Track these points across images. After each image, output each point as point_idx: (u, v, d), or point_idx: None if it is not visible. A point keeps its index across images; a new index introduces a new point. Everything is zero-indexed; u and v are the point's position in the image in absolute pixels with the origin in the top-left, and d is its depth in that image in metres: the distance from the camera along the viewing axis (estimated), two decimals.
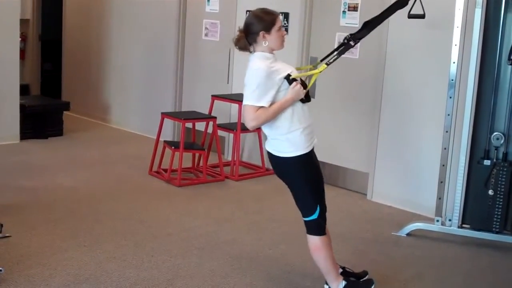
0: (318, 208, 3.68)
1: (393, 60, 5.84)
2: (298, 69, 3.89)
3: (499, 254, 4.93)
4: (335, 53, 3.96)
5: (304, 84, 3.70)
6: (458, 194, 5.05)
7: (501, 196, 4.92)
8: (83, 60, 9.45)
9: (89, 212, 5.34)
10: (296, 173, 3.69)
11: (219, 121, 6.76)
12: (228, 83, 7.28)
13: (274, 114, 3.58)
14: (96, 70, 9.25)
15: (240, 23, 7.04)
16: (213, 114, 6.81)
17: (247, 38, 3.66)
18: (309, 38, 6.53)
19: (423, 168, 5.67)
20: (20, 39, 7.81)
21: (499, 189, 4.92)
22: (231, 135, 6.96)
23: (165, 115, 6.72)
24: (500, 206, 4.93)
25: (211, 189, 6.20)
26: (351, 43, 4.03)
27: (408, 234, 5.18)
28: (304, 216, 3.73)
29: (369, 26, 4.16)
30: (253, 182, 6.48)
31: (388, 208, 5.87)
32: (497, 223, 4.94)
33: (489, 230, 4.99)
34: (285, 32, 3.70)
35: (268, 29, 3.60)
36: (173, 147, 6.35)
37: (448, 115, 5.01)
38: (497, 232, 4.97)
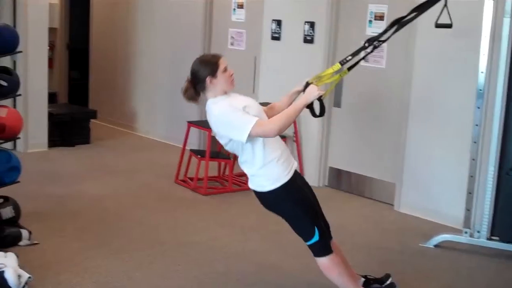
0: (316, 230, 3.62)
1: (420, 70, 5.80)
2: (318, 76, 3.82)
3: None
4: (354, 58, 3.88)
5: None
6: (487, 206, 4.99)
7: None
8: (110, 68, 9.54)
9: (116, 220, 5.37)
10: (283, 203, 3.65)
11: None
12: (253, 92, 7.29)
13: (292, 114, 3.49)
14: (123, 78, 9.32)
15: (266, 32, 7.15)
16: None
17: (196, 88, 3.63)
18: (335, 48, 6.52)
19: (450, 179, 5.62)
20: (48, 47, 7.91)
21: None
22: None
23: (191, 124, 6.75)
24: None
25: (237, 198, 6.21)
26: (366, 45, 3.94)
27: (435, 246, 5.13)
28: (305, 241, 3.68)
29: (386, 28, 4.08)
30: None
31: (415, 219, 5.82)
32: None
33: None
34: (232, 71, 3.65)
35: (213, 73, 3.58)
36: (199, 156, 6.38)
37: (477, 125, 4.96)
38: None
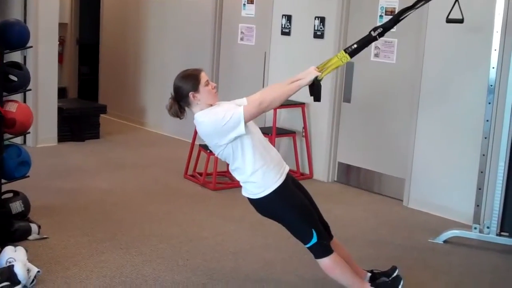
0: (313, 231, 3.61)
1: (431, 65, 5.77)
2: (324, 65, 3.80)
3: None
4: (356, 45, 3.82)
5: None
6: (497, 201, 4.96)
7: None
8: (120, 63, 9.55)
9: (125, 214, 5.38)
10: (277, 208, 3.66)
11: None
12: (263, 87, 7.27)
13: (284, 91, 3.56)
14: (133, 73, 9.33)
15: (276, 27, 7.13)
16: None
17: (180, 104, 3.66)
18: (345, 43, 6.49)
19: (460, 174, 5.59)
20: (58, 43, 7.92)
21: None
22: (266, 139, 6.94)
23: None
24: None
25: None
26: (372, 33, 3.86)
27: (445, 241, 5.11)
28: (304, 244, 3.68)
29: (392, 16, 4.04)
30: None
31: (425, 214, 5.80)
32: None
33: None
34: (214, 84, 3.68)
35: (195, 88, 3.59)
36: (208, 151, 6.37)
37: (487, 120, 4.93)
38: None
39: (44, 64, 7.46)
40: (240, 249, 4.75)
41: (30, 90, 5.25)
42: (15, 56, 6.20)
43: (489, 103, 4.92)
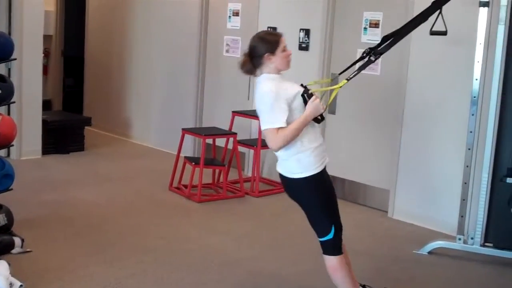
0: (333, 228, 3.61)
1: (415, 77, 5.81)
2: (316, 82, 3.84)
3: None
4: (356, 69, 3.93)
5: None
6: (481, 212, 4.99)
7: None
8: (105, 76, 9.54)
9: (109, 227, 5.35)
10: (308, 194, 3.64)
11: (239, 137, 6.76)
12: (248, 99, 7.29)
13: (296, 131, 3.50)
14: (117, 86, 9.31)
15: None
16: (233, 130, 6.82)
17: (252, 61, 3.63)
18: (330, 55, 6.53)
19: (444, 185, 5.62)
20: (43, 55, 7.89)
21: None
22: (252, 151, 6.95)
23: (185, 131, 6.74)
24: None
25: (231, 205, 6.20)
26: (372, 58, 4.01)
27: (429, 252, 5.12)
28: (319, 237, 3.67)
29: (390, 41, 4.14)
30: (273, 199, 6.47)
31: (409, 225, 5.82)
32: None
33: None
34: (290, 52, 3.67)
35: (272, 51, 3.57)
36: (193, 163, 6.36)
37: (471, 132, 4.97)
38: None
39: (28, 76, 7.43)
40: (225, 261, 4.73)
41: (14, 102, 5.21)
42: None
43: (473, 114, 4.95)
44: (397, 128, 5.97)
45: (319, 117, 3.61)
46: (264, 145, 6.66)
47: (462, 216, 5.06)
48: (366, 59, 4.03)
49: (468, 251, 5.05)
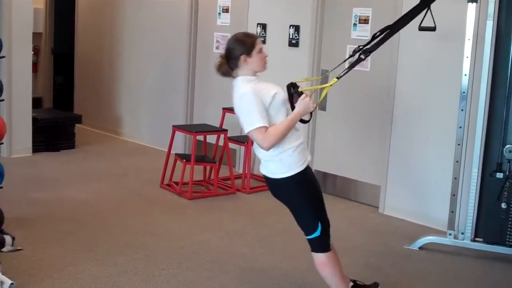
0: (319, 225, 3.62)
1: (404, 73, 5.83)
2: (306, 79, 3.84)
3: None
4: (346, 67, 3.93)
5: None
6: (471, 208, 5.02)
7: None
8: (95, 73, 9.51)
9: (100, 225, 5.34)
10: (293, 192, 3.64)
11: (230, 134, 6.76)
12: None
13: (286, 129, 3.50)
14: (108, 83, 9.29)
15: None
16: (224, 127, 6.82)
17: (229, 64, 3.64)
18: (320, 51, 6.53)
19: (435, 181, 5.64)
20: (32, 52, 7.86)
21: None
22: (242, 147, 6.96)
23: (176, 128, 6.73)
24: None
25: (222, 202, 6.20)
26: (362, 57, 4.01)
27: (420, 248, 5.14)
28: (306, 235, 3.67)
29: (379, 39, 4.16)
30: (264, 195, 6.45)
31: (400, 221, 5.84)
32: (511, 237, 4.90)
33: (502, 243, 4.93)
34: (266, 54, 3.66)
35: (249, 53, 3.57)
36: (184, 160, 6.36)
37: (460, 127, 4.99)
38: (510, 246, 4.92)
39: (18, 74, 7.40)
40: (216, 258, 4.73)
41: (3, 100, 5.20)
42: None
43: (462, 110, 4.97)
44: (387, 124, 5.98)
45: (307, 117, 3.61)
46: None
47: (452, 212, 5.08)
48: (356, 56, 4.04)
49: (458, 246, 5.08)
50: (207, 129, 6.77)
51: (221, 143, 6.80)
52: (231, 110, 6.83)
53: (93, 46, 9.53)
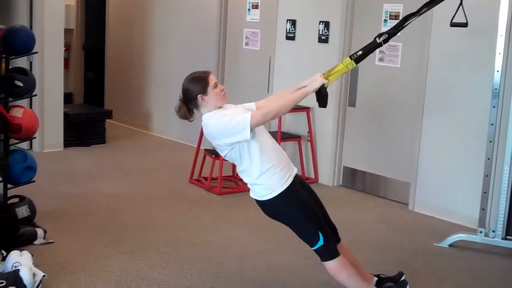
0: (320, 234, 3.61)
1: (435, 69, 5.77)
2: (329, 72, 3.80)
3: None
4: (360, 49, 3.83)
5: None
6: (502, 205, 4.95)
7: None
8: (125, 69, 9.58)
9: (130, 219, 5.39)
10: (283, 211, 3.67)
11: None
12: (268, 91, 7.28)
13: (290, 100, 3.60)
14: (138, 79, 9.36)
15: (281, 32, 7.14)
16: None
17: (188, 106, 3.66)
18: (350, 47, 6.50)
19: (465, 178, 5.58)
20: (64, 48, 7.95)
21: None
22: (274, 140, 6.94)
23: None
24: None
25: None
26: (377, 40, 3.86)
27: (450, 245, 5.10)
28: (311, 246, 3.69)
29: (398, 22, 4.05)
30: None
31: (430, 218, 5.79)
32: None
33: None
34: (222, 87, 3.67)
35: (204, 91, 3.59)
36: (213, 156, 6.38)
37: (492, 124, 4.93)
38: None
39: (50, 69, 7.49)
40: (245, 253, 4.75)
41: (36, 95, 5.28)
42: (21, 62, 6.25)
43: (494, 107, 4.91)
44: (417, 121, 5.94)
45: (321, 90, 3.60)
46: (284, 138, 6.68)
47: (483, 209, 5.02)
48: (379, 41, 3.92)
49: (489, 244, 5.02)
50: None
51: None
52: None
53: (123, 42, 9.61)
